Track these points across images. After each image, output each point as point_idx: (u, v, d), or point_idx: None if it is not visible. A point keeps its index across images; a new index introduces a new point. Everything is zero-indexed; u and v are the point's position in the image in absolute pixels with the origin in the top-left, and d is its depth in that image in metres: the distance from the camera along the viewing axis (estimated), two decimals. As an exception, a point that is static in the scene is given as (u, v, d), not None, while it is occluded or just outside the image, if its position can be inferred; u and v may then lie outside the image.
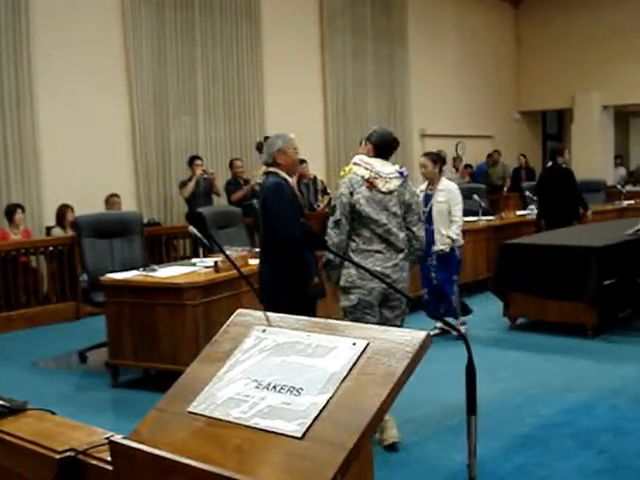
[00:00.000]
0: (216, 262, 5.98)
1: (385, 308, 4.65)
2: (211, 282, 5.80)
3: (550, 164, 9.63)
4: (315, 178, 11.71)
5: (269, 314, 2.27)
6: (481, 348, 6.34)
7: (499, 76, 17.43)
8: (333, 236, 4.55)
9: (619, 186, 13.99)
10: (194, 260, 6.69)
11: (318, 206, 11.29)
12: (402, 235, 4.62)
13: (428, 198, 7.06)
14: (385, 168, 4.61)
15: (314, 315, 4.75)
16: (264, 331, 2.21)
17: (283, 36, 12.50)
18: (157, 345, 5.74)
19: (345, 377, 1.93)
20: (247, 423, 1.93)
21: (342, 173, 4.70)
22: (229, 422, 1.96)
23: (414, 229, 4.67)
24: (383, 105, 14.50)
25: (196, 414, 2.03)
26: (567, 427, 4.82)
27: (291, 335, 2.14)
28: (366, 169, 4.57)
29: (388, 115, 14.41)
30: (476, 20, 16.63)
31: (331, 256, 4.56)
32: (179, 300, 5.65)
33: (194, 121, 11.29)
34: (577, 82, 16.87)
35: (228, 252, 5.29)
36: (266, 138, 10.85)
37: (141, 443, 1.99)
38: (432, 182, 7.13)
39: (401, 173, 4.63)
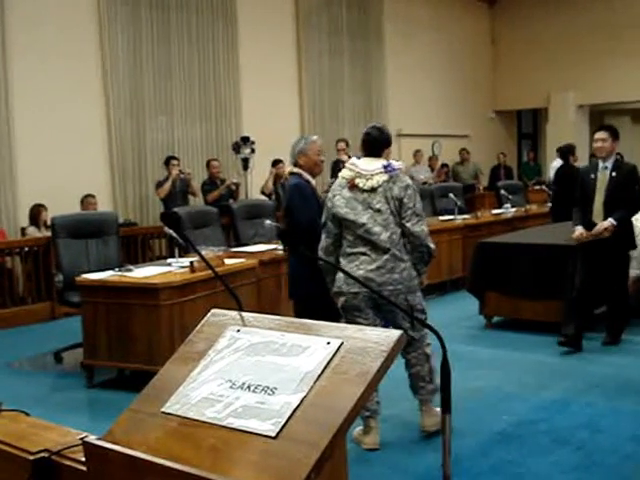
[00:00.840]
0: (192, 262, 5.96)
1: (385, 313, 4.56)
2: (187, 282, 5.78)
3: (562, 163, 9.73)
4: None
5: (243, 314, 2.27)
6: (456, 346, 6.35)
7: (475, 75, 17.48)
8: (322, 240, 4.61)
9: (594, 185, 14.05)
10: (170, 260, 6.66)
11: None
12: (387, 234, 4.41)
13: None
14: (370, 165, 4.47)
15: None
16: (238, 331, 2.21)
17: (259, 35, 12.47)
18: (133, 345, 5.71)
19: (319, 376, 1.94)
20: (221, 423, 1.93)
21: None
22: (203, 422, 1.96)
23: (408, 225, 4.42)
24: (360, 104, 14.50)
25: (170, 414, 2.03)
26: (543, 424, 4.85)
27: (265, 335, 2.14)
28: (350, 170, 4.54)
29: (365, 114, 14.40)
30: (452, 19, 16.68)
31: (321, 262, 4.60)
32: (155, 300, 5.62)
33: (170, 121, 11.23)
34: (552, 81, 16.94)
35: (203, 252, 5.29)
36: (243, 138, 10.96)
37: (115, 444, 1.98)
38: None
39: (385, 167, 4.44)
